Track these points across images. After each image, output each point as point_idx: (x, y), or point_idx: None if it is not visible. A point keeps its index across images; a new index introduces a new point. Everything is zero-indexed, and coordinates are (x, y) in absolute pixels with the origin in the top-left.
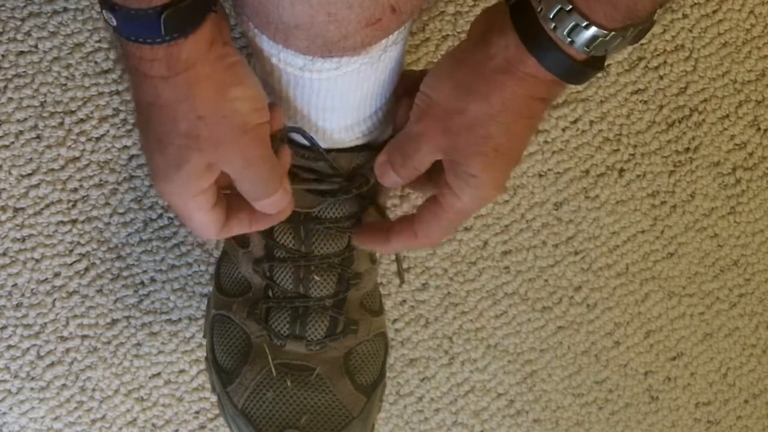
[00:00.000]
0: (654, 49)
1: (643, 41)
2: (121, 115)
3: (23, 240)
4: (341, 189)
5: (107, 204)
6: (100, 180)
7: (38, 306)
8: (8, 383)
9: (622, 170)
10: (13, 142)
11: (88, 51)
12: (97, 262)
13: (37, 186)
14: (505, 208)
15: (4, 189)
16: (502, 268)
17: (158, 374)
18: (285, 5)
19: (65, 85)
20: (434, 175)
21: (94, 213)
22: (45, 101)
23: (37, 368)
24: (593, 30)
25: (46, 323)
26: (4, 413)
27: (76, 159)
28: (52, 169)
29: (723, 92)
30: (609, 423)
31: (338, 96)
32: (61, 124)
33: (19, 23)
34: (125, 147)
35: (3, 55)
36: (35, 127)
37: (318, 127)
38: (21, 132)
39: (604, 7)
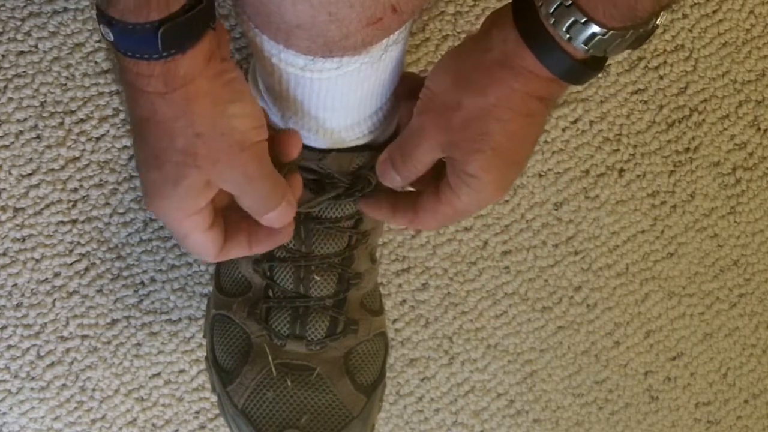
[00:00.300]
0: (654, 49)
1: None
2: (121, 115)
3: (23, 240)
4: (345, 192)
5: (107, 204)
6: (100, 180)
7: (38, 306)
8: (8, 383)
9: (622, 170)
10: (13, 142)
11: (88, 51)
12: (97, 262)
13: (37, 186)
14: (505, 208)
15: (4, 189)
16: (502, 268)
17: (158, 374)
18: (286, 5)
19: (65, 85)
20: (438, 175)
21: (94, 213)
22: (45, 101)
23: (37, 368)
24: (592, 27)
25: (46, 323)
26: (4, 413)
27: (76, 159)
28: (52, 169)
29: (723, 92)
30: (609, 423)
31: (339, 96)
32: (61, 124)
33: (19, 23)
34: (125, 147)
35: (3, 55)
36: (35, 127)
37: (318, 127)
38: (21, 132)
39: (604, 5)
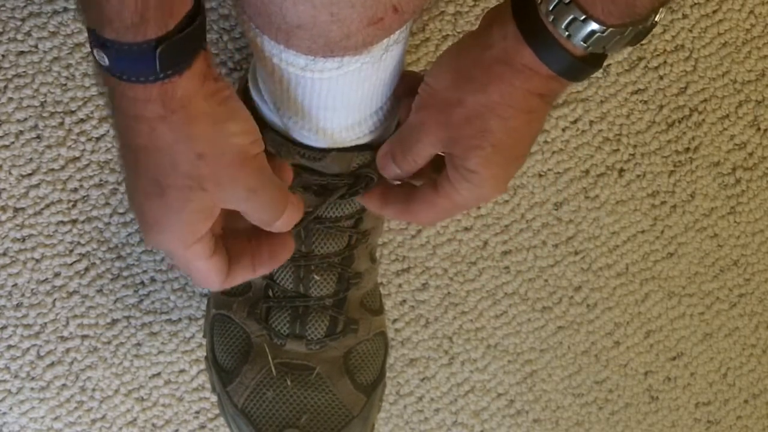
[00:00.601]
0: (654, 49)
1: (642, 42)
2: None
3: (23, 240)
4: (348, 192)
5: (107, 204)
6: (100, 180)
7: (38, 306)
8: (8, 383)
9: (622, 170)
10: (13, 142)
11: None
12: (97, 262)
13: (37, 186)
14: (505, 208)
15: (4, 189)
16: (502, 268)
17: (158, 374)
18: (288, 5)
19: (65, 85)
20: (431, 165)
21: (94, 213)
22: (45, 101)
23: (37, 368)
24: (591, 25)
25: (46, 323)
26: (4, 413)
27: (76, 159)
28: (52, 169)
29: (723, 92)
30: (609, 423)
31: (339, 95)
32: (61, 124)
33: (19, 23)
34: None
35: (3, 55)
36: (35, 127)
37: (319, 127)
38: (21, 132)
39: (603, 2)
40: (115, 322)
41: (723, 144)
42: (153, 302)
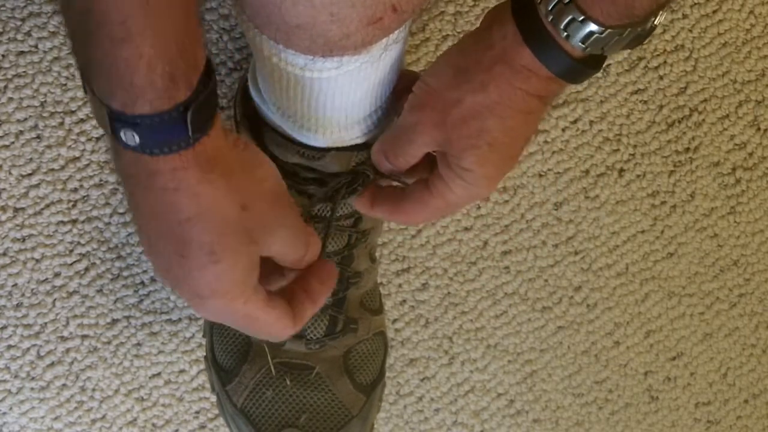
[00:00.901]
0: (654, 49)
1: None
2: None
3: (23, 240)
4: (347, 190)
5: (107, 204)
6: (100, 180)
7: (38, 306)
8: (8, 383)
9: (622, 170)
10: (13, 142)
11: None
12: (97, 262)
13: (37, 186)
14: (505, 208)
15: (4, 189)
16: (502, 268)
17: (158, 374)
18: (287, 6)
19: (65, 85)
20: (423, 164)
21: (94, 213)
22: (45, 101)
23: (37, 368)
24: (590, 26)
25: (46, 323)
26: (4, 413)
27: (76, 159)
28: (53, 169)
29: (723, 92)
30: (609, 423)
31: (339, 95)
32: (62, 124)
33: (19, 23)
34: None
35: (3, 55)
36: (35, 127)
37: (318, 126)
38: (21, 132)
39: (602, 3)
40: (115, 322)
41: (723, 144)
42: (153, 302)
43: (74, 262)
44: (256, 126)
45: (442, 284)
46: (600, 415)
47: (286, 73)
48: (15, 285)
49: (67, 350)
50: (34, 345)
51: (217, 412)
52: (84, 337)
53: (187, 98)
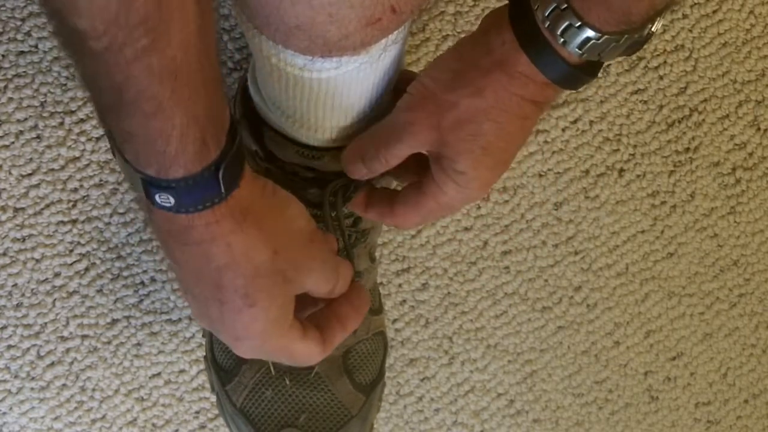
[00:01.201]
0: (654, 49)
1: None
2: None
3: (23, 240)
4: (354, 188)
5: (107, 204)
6: (101, 180)
7: (38, 306)
8: (8, 383)
9: (622, 170)
10: (13, 142)
11: None
12: (98, 262)
13: (37, 186)
14: (505, 208)
15: (4, 189)
16: (502, 268)
17: (158, 374)
18: (286, 6)
19: (65, 85)
20: (416, 166)
21: (95, 213)
22: (45, 101)
23: (37, 368)
24: (586, 32)
25: (46, 323)
26: (4, 413)
27: (76, 159)
28: (52, 169)
29: (723, 92)
30: (609, 423)
31: (338, 95)
32: (61, 124)
33: (19, 23)
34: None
35: (3, 55)
36: (35, 127)
37: (318, 126)
38: (21, 132)
39: (598, 9)
40: (115, 322)
41: (723, 144)
42: (153, 302)
43: (74, 262)
44: (255, 126)
45: (442, 284)
46: (600, 415)
47: (285, 73)
48: (15, 285)
49: (67, 350)
50: (34, 345)
51: (217, 412)
52: (84, 337)
53: (217, 157)
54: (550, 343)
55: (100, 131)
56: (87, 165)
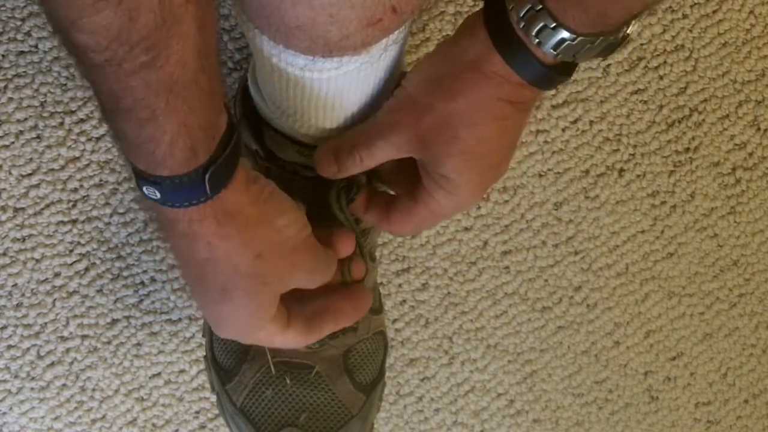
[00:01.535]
0: (654, 49)
1: (643, 41)
2: None
3: (23, 240)
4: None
5: (107, 204)
6: (101, 180)
7: (38, 306)
8: (8, 383)
9: (622, 170)
10: (13, 142)
11: None
12: (97, 262)
13: (37, 186)
14: (505, 208)
15: (4, 189)
16: (502, 268)
17: (158, 374)
18: (286, 7)
19: (65, 85)
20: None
21: (95, 213)
22: (45, 101)
23: (37, 368)
24: (561, 33)
25: (46, 323)
26: (4, 413)
27: (76, 159)
28: (52, 169)
29: (723, 92)
30: (609, 423)
31: (339, 95)
32: (61, 124)
33: (19, 23)
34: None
35: (3, 55)
36: (35, 127)
37: (318, 126)
38: (21, 132)
39: (574, 10)
40: (115, 322)
41: (723, 144)
42: (153, 302)
43: (74, 262)
44: (255, 125)
45: (442, 284)
46: (600, 415)
47: (285, 73)
48: (15, 285)
49: (67, 350)
50: (34, 345)
51: (217, 412)
52: (84, 337)
53: (206, 161)
54: (550, 343)
55: (100, 131)
56: (87, 165)
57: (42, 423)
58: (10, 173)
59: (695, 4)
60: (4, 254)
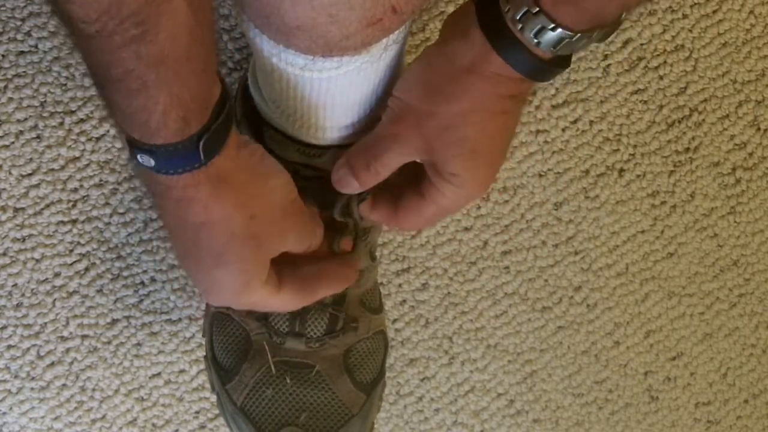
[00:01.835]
0: (654, 49)
1: (643, 41)
2: None
3: (23, 240)
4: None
5: (107, 204)
6: (101, 180)
7: (38, 306)
8: (8, 383)
9: (622, 170)
10: (13, 142)
11: None
12: (97, 262)
13: (37, 186)
14: (505, 208)
15: (4, 189)
16: (502, 268)
17: (158, 374)
18: (286, 7)
19: (65, 85)
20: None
21: (94, 213)
22: (45, 101)
23: (37, 368)
24: (559, 32)
25: (46, 323)
26: (4, 413)
27: (76, 159)
28: (52, 169)
29: (723, 92)
30: (609, 423)
31: (339, 95)
32: (61, 124)
33: (19, 23)
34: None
35: (3, 55)
36: (35, 127)
37: (318, 125)
38: (21, 132)
39: (570, 11)
40: (115, 322)
41: (723, 144)
42: (153, 302)
43: (74, 262)
44: (256, 125)
45: (442, 284)
46: (600, 415)
47: (286, 73)
48: (15, 285)
49: (67, 350)
50: (34, 345)
51: (217, 412)
52: (84, 337)
53: (199, 130)
54: (550, 343)
55: (100, 131)
56: (87, 165)
57: (42, 423)
58: (10, 173)
59: (695, 4)
60: (4, 254)
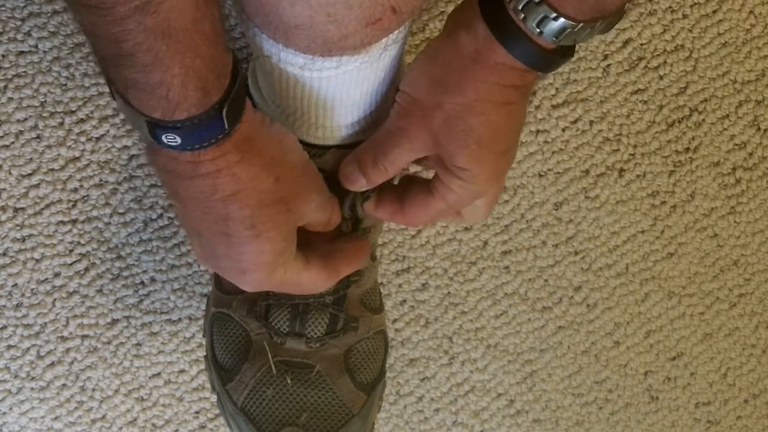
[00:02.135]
0: (654, 49)
1: (643, 41)
2: (121, 115)
3: (23, 240)
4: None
5: (107, 204)
6: (100, 180)
7: (38, 306)
8: (8, 383)
9: (622, 170)
10: (13, 142)
11: (88, 51)
12: (97, 262)
13: (37, 186)
14: (505, 208)
15: (4, 189)
16: (502, 268)
17: (158, 374)
18: (285, 6)
19: (65, 85)
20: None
21: (94, 213)
22: (45, 101)
23: (37, 368)
24: (562, 22)
25: (46, 323)
26: (4, 413)
27: (76, 159)
28: (52, 169)
29: (723, 92)
30: (609, 423)
31: (339, 94)
32: (61, 124)
33: (19, 23)
34: (125, 147)
35: (3, 55)
36: (35, 127)
37: (319, 125)
38: (21, 132)
39: (572, 0)
40: (115, 322)
41: (723, 144)
42: (153, 302)
43: (74, 262)
44: None
45: (442, 284)
46: (600, 415)
47: (285, 73)
48: (15, 285)
49: (67, 350)
50: (34, 345)
51: (217, 412)
52: (84, 337)
53: (220, 98)
54: (550, 343)
55: (100, 131)
56: (87, 165)
57: (42, 423)
58: (10, 173)
59: (695, 4)
60: (4, 254)
